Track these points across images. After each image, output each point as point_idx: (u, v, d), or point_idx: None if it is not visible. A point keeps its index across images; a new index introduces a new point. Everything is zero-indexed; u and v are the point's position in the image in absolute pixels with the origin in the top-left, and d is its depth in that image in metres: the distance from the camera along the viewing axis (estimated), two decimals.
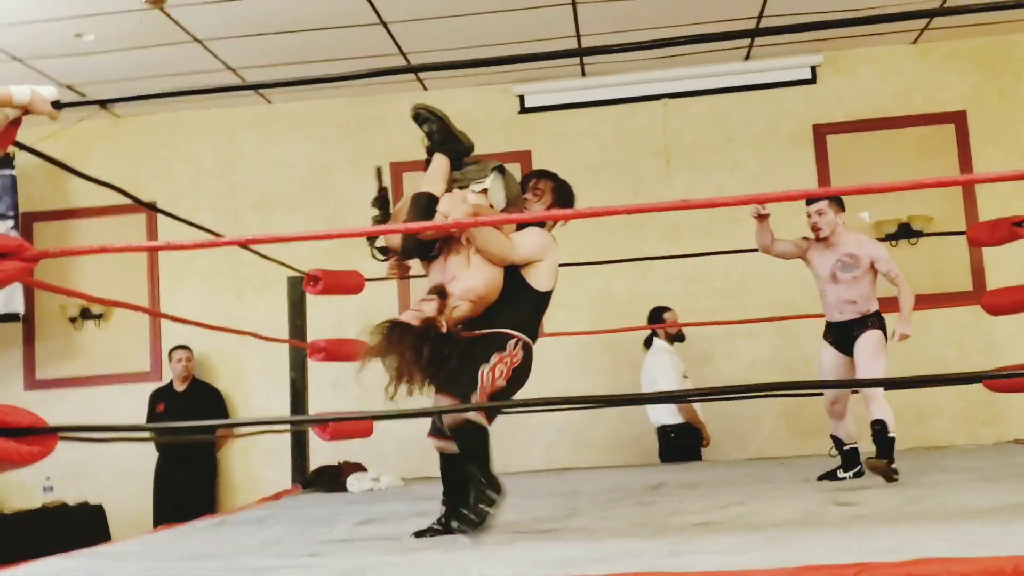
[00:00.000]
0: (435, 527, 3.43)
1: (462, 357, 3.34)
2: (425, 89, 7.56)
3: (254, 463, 7.47)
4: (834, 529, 3.05)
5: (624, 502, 4.27)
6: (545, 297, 3.65)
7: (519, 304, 3.56)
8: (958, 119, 7.16)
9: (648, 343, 6.64)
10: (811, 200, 4.75)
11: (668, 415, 6.48)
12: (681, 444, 6.47)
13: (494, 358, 3.43)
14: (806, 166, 7.29)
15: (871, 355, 4.60)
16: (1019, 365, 5.75)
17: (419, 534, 3.42)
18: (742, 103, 7.40)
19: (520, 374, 3.53)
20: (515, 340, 3.50)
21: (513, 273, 3.58)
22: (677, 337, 6.65)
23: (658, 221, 7.31)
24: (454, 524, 3.31)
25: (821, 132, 7.28)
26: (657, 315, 6.62)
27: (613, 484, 5.24)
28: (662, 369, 6.43)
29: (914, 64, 7.32)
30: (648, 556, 2.66)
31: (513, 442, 7.03)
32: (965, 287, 6.97)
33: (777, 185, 7.12)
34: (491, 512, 3.23)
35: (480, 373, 3.38)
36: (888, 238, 6.85)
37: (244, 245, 4.85)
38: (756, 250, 6.63)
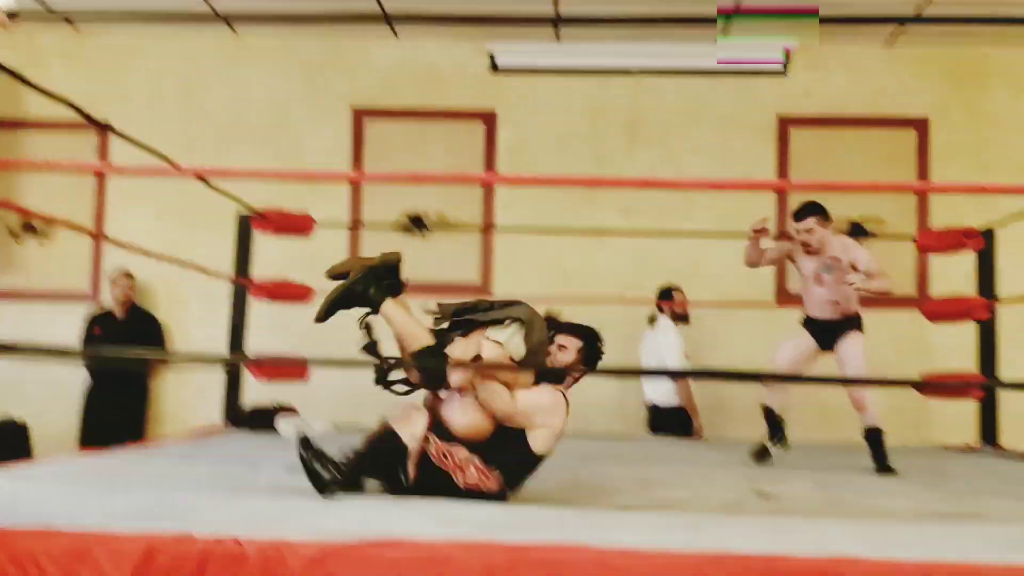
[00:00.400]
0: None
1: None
2: (396, 37, 7.47)
3: (187, 395, 7.40)
4: (753, 518, 3.09)
5: (550, 471, 4.29)
6: (538, 460, 3.33)
7: (509, 453, 3.27)
8: (920, 127, 7.24)
9: (651, 321, 6.66)
10: (799, 217, 4.80)
11: (663, 395, 6.50)
12: (669, 426, 6.50)
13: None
14: (767, 156, 7.33)
15: (855, 357, 4.81)
16: (953, 374, 5.90)
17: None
18: (711, 86, 7.40)
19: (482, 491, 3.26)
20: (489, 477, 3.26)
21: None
22: (682, 318, 6.65)
23: (616, 196, 7.32)
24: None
25: (785, 124, 7.32)
26: (667, 294, 6.64)
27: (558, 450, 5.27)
28: (669, 347, 6.41)
29: (884, 67, 7.37)
30: (566, 527, 2.68)
31: None
32: (909, 291, 7.09)
33: (738, 172, 7.16)
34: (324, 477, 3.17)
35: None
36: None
37: (199, 177, 4.76)
38: (712, 234, 6.73)
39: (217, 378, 6.41)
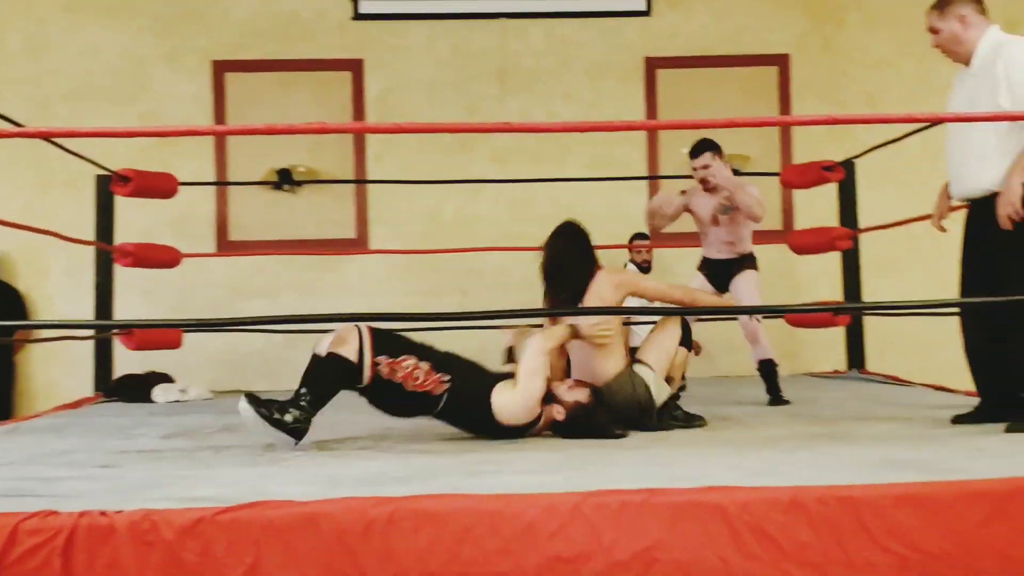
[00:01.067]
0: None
1: None
2: None
3: (55, 370, 7.09)
4: (633, 454, 3.14)
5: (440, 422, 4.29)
6: (493, 418, 3.53)
7: (474, 396, 3.51)
8: (781, 62, 7.39)
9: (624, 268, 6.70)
10: (694, 154, 4.89)
11: None
12: None
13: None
14: (637, 98, 7.38)
15: (749, 292, 4.91)
16: (821, 302, 6.11)
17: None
18: (579, 30, 7.39)
19: None
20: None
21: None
22: (645, 267, 6.76)
23: (488, 144, 7.27)
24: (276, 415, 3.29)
25: (653, 65, 7.37)
26: (631, 241, 6.78)
27: None
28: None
29: (745, 5, 7.48)
30: (449, 476, 2.67)
31: None
32: (776, 226, 7.27)
33: (609, 116, 7.17)
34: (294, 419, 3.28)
35: None
36: None
37: (46, 138, 4.51)
38: (587, 179, 6.77)
39: (86, 350, 6.16)
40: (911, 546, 2.25)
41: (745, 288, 4.94)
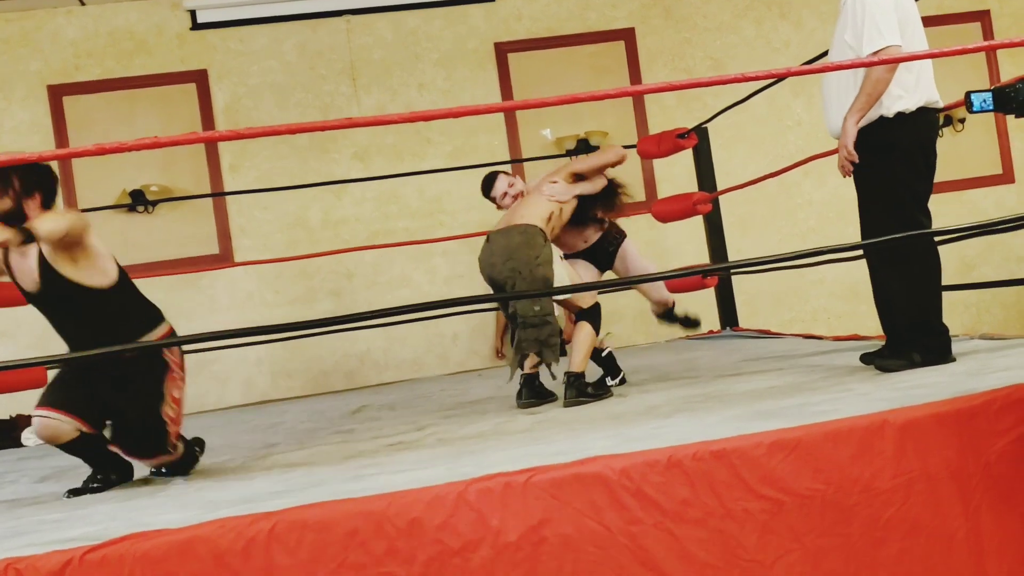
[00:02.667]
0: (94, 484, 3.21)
1: None
2: (83, 4, 6.91)
3: None
4: (517, 438, 3.15)
5: (323, 431, 4.23)
6: None
7: None
8: (627, 36, 7.51)
9: None
10: (488, 189, 4.55)
11: None
12: None
13: None
14: (491, 85, 7.39)
15: (637, 258, 4.77)
16: (687, 267, 6.23)
17: (75, 492, 3.18)
18: (426, 20, 7.35)
19: None
20: None
21: None
22: None
23: (347, 143, 7.18)
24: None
25: (503, 50, 7.39)
26: None
27: (314, 412, 5.19)
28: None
29: None
30: (331, 483, 2.62)
31: (210, 378, 6.77)
32: (640, 197, 7.39)
33: (466, 103, 7.18)
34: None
35: None
36: (568, 153, 7.13)
37: None
38: (450, 169, 6.75)
39: None
40: (785, 490, 2.32)
41: (632, 256, 4.77)
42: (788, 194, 7.50)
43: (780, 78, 4.12)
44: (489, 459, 2.68)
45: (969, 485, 2.40)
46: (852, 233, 7.29)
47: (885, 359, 3.44)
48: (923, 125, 3.42)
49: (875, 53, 3.26)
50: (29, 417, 5.60)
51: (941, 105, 3.49)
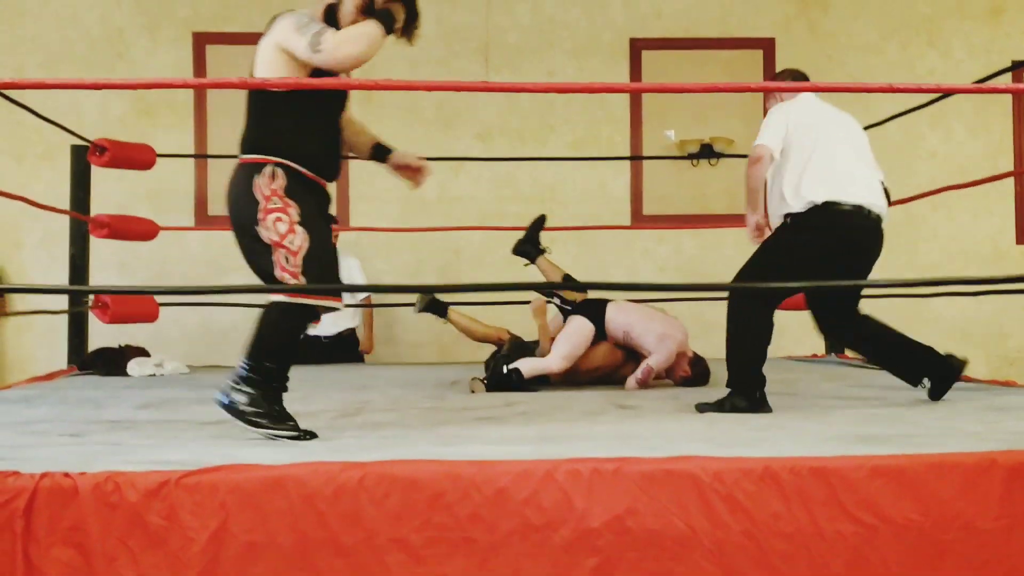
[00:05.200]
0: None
1: None
2: None
3: (29, 342, 7.03)
4: (607, 427, 3.12)
5: (414, 397, 4.27)
6: None
7: None
8: (767, 46, 7.36)
9: None
10: None
11: None
12: None
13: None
14: (622, 80, 7.33)
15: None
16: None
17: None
18: (564, 8, 7.34)
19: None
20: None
21: None
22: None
23: (472, 121, 7.23)
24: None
25: (637, 46, 7.33)
26: None
27: (408, 380, 5.24)
28: None
29: None
30: (420, 445, 2.65)
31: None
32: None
33: (593, 96, 7.15)
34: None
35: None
36: (690, 157, 7.05)
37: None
38: (570, 159, 6.75)
39: (60, 322, 6.10)
40: (881, 516, 2.25)
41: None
42: (913, 225, 7.25)
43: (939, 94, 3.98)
44: (577, 446, 2.67)
45: None
46: (974, 273, 7.09)
47: (709, 403, 3.62)
48: (832, 221, 3.73)
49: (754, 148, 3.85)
50: (137, 348, 5.83)
51: (854, 203, 3.76)
